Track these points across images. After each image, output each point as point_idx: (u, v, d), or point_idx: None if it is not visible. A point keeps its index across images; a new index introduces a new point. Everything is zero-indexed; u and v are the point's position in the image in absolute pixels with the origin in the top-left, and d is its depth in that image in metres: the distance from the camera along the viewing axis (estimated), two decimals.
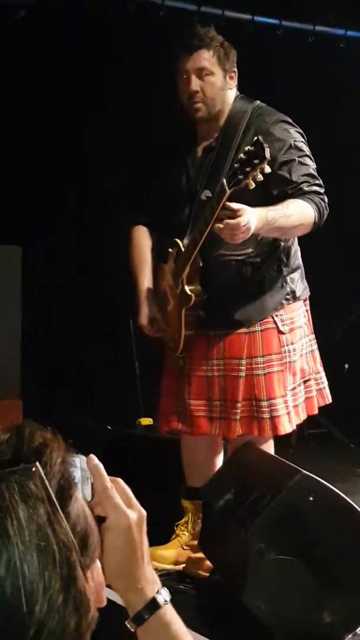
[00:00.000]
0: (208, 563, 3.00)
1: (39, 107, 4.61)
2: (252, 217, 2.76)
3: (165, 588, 1.07)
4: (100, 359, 4.78)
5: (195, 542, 3.13)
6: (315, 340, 3.32)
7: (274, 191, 2.98)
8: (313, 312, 3.30)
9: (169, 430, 3.26)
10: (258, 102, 3.17)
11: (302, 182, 3.00)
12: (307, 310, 3.27)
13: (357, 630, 2.47)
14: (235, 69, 3.16)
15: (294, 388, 3.14)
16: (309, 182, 3.02)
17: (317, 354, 3.32)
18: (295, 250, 3.21)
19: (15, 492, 0.80)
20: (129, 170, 3.95)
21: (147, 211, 3.28)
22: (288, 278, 3.15)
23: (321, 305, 5.45)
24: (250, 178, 2.70)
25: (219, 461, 3.31)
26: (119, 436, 3.90)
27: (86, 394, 4.63)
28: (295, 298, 3.17)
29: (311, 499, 2.47)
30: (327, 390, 3.33)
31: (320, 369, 3.33)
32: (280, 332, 3.10)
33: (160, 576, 1.08)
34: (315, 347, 3.31)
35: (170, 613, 1.05)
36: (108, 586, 0.97)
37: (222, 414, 3.11)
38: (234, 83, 3.15)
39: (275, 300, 3.11)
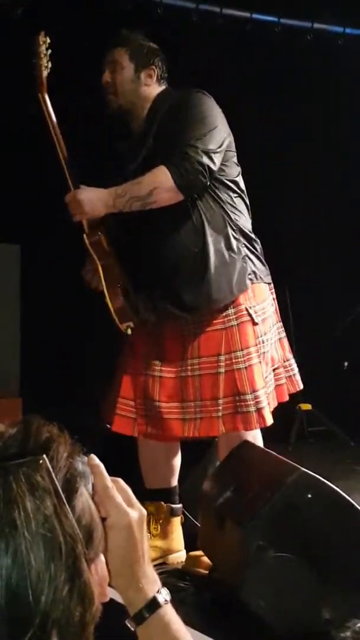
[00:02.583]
0: (207, 560, 3.00)
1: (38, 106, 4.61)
2: (87, 192, 3.06)
3: (166, 588, 1.08)
4: (100, 357, 4.78)
5: (158, 543, 3.16)
6: (283, 328, 3.34)
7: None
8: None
9: (135, 435, 3.20)
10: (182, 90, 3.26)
11: (176, 149, 3.02)
12: (273, 299, 3.27)
13: (357, 626, 2.48)
14: (155, 68, 3.24)
15: (266, 377, 3.14)
16: (181, 149, 3.02)
17: (285, 341, 3.33)
18: (249, 234, 3.19)
19: (22, 483, 0.81)
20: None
21: None
22: (247, 258, 3.13)
23: (321, 303, 5.49)
24: None
25: (178, 461, 3.31)
26: (118, 434, 3.90)
27: (86, 391, 4.63)
28: (257, 278, 3.15)
29: (310, 496, 2.48)
30: (298, 377, 3.33)
31: (290, 356, 3.34)
32: (255, 324, 3.10)
33: (158, 574, 1.08)
34: (283, 334, 3.33)
35: (170, 613, 1.06)
36: (109, 585, 0.98)
37: (197, 415, 3.07)
38: (152, 80, 3.24)
39: (240, 279, 3.09)
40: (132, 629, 1.05)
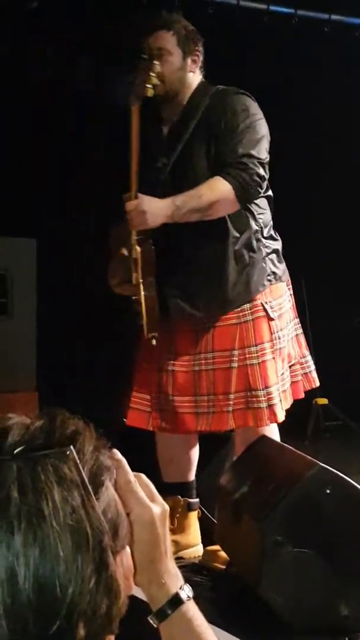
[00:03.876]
0: (224, 555, 2.99)
1: (55, 99, 4.61)
2: (149, 203, 2.94)
3: (188, 584, 1.07)
4: (116, 351, 4.78)
5: (176, 537, 3.13)
6: (300, 325, 3.32)
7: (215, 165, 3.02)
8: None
9: (150, 428, 3.20)
10: (220, 86, 3.18)
11: (231, 159, 2.99)
12: (290, 295, 3.26)
13: None
14: (199, 54, 3.17)
15: (282, 374, 3.13)
16: (238, 159, 2.99)
17: (302, 338, 3.31)
18: (270, 231, 3.17)
19: (50, 474, 0.81)
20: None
21: None
22: (267, 259, 3.12)
23: (338, 297, 5.46)
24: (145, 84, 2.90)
25: (195, 455, 3.30)
26: (135, 429, 3.90)
27: (102, 385, 4.63)
28: (277, 279, 3.14)
29: (328, 491, 2.46)
30: (314, 374, 3.31)
31: (306, 352, 3.32)
32: (270, 319, 3.08)
33: None
34: (300, 331, 3.31)
35: (193, 609, 1.05)
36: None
37: (210, 409, 3.07)
38: (196, 67, 3.17)
39: (258, 281, 3.08)
40: (155, 625, 1.04)
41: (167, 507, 1.05)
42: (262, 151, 3.03)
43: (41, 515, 0.79)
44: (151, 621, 1.04)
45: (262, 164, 3.01)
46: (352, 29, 5.36)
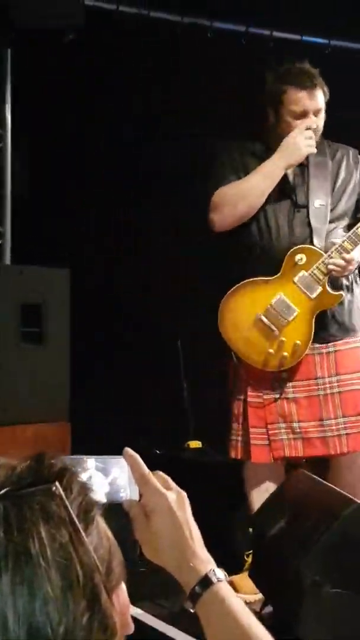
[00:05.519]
0: (248, 585, 2.95)
1: (89, 130, 4.64)
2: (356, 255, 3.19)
3: (222, 569, 1.08)
4: (148, 381, 4.76)
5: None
6: None
7: None
8: None
9: (271, 460, 3.26)
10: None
11: None
12: None
13: None
14: None
15: None
16: None
17: None
18: None
19: (36, 511, 0.79)
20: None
21: None
22: None
23: None
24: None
25: None
26: (167, 459, 3.87)
27: (134, 416, 4.61)
28: None
29: None
30: None
31: None
32: None
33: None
34: None
35: (225, 589, 1.05)
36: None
37: (341, 431, 3.21)
38: None
39: None
40: (192, 610, 1.05)
41: (183, 493, 1.07)
42: None
43: (28, 554, 0.77)
44: (187, 606, 1.06)
45: None
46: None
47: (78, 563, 0.78)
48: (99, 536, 0.85)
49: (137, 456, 1.07)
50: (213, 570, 1.05)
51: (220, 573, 1.06)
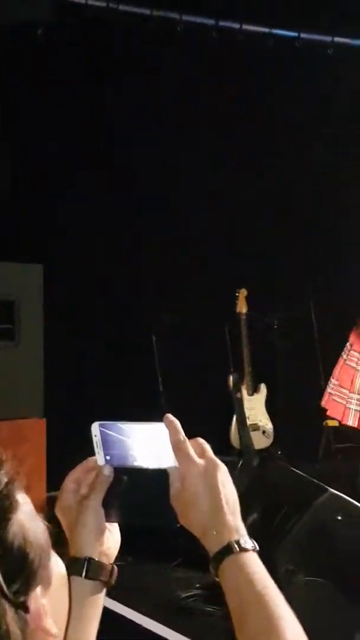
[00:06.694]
0: None
1: (61, 126, 4.62)
2: None
3: (253, 540, 1.05)
4: (123, 375, 4.76)
5: None
6: None
7: None
8: None
9: (342, 422, 3.52)
10: None
11: None
12: None
13: None
14: None
15: None
16: None
17: None
18: None
19: None
20: None
21: None
22: None
23: None
24: None
25: None
26: None
27: (110, 410, 4.60)
28: None
29: (339, 518, 2.42)
30: None
31: None
32: None
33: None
34: None
35: (246, 558, 1.03)
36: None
37: None
38: None
39: None
40: (215, 577, 1.05)
41: (218, 463, 1.08)
42: None
43: None
44: (211, 572, 1.05)
45: None
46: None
47: None
48: (13, 536, 0.79)
49: (176, 422, 1.08)
50: (238, 541, 1.04)
51: (247, 543, 1.04)
